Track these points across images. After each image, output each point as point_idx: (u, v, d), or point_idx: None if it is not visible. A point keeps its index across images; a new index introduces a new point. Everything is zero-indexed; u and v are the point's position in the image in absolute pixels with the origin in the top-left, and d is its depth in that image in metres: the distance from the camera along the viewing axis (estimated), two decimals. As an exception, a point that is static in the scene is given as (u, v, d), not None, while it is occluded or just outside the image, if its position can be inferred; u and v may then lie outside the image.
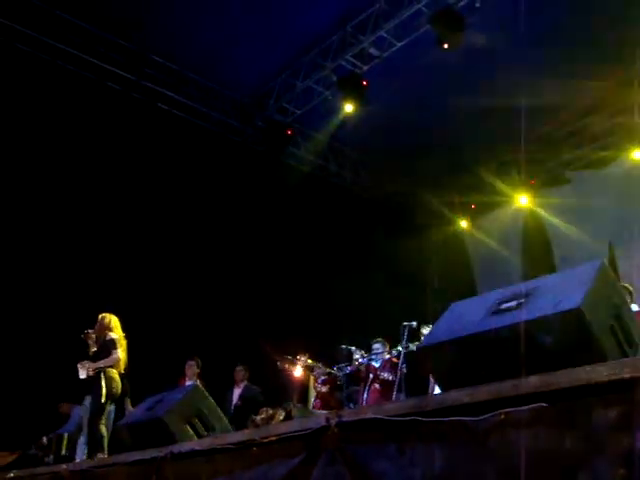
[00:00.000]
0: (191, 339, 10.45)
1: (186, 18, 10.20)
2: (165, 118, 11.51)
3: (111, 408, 7.89)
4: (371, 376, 9.17)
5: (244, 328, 11.09)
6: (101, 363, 7.57)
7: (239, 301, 11.50)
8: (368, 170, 14.48)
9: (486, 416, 2.33)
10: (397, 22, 9.98)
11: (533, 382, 2.27)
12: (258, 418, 8.31)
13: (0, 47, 9.75)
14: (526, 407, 2.23)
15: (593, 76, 10.80)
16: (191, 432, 4.85)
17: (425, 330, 8.42)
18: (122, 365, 7.77)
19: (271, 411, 8.24)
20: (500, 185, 13.88)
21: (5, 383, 8.97)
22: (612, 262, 11.51)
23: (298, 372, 10.04)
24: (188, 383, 9.54)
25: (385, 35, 10.27)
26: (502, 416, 2.30)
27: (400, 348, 8.53)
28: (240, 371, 10.45)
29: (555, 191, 13.68)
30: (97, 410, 7.48)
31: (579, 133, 12.94)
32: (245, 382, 10.40)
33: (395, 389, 8.24)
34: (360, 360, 9.46)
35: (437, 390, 7.92)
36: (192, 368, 10.03)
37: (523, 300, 2.81)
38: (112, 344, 7.67)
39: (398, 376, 8.25)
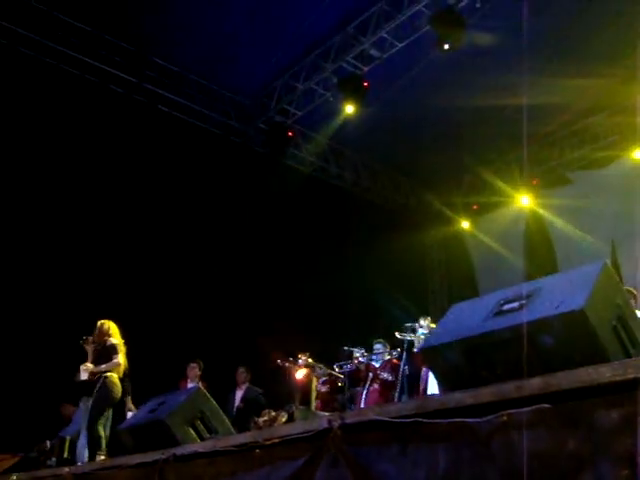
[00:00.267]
0: (192, 341, 10.45)
1: (187, 20, 10.21)
2: (166, 120, 11.51)
3: (110, 411, 7.93)
4: (371, 375, 9.18)
5: (245, 330, 11.10)
6: (103, 367, 7.65)
7: (240, 303, 11.49)
8: (369, 171, 14.48)
9: (489, 417, 2.33)
10: (398, 23, 9.98)
11: (536, 383, 2.27)
12: (260, 420, 8.30)
13: (3, 50, 9.76)
14: (529, 408, 2.23)
15: (594, 76, 10.79)
16: (193, 434, 4.85)
17: (423, 322, 8.43)
18: (122, 370, 7.84)
19: (273, 413, 8.23)
20: (501, 185, 13.89)
21: (6, 386, 8.98)
22: (614, 262, 11.50)
23: (300, 374, 10.04)
24: (190, 385, 9.55)
25: (386, 36, 10.27)
26: (505, 417, 2.30)
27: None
28: (242, 373, 10.45)
29: (557, 191, 13.68)
30: (97, 413, 7.56)
31: (581, 133, 12.95)
32: (247, 384, 10.41)
33: (397, 390, 8.24)
34: (360, 359, 9.47)
35: (430, 387, 7.98)
36: (194, 370, 10.03)
37: (525, 301, 2.81)
38: (113, 349, 7.75)
39: (400, 377, 8.25)
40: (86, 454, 7.55)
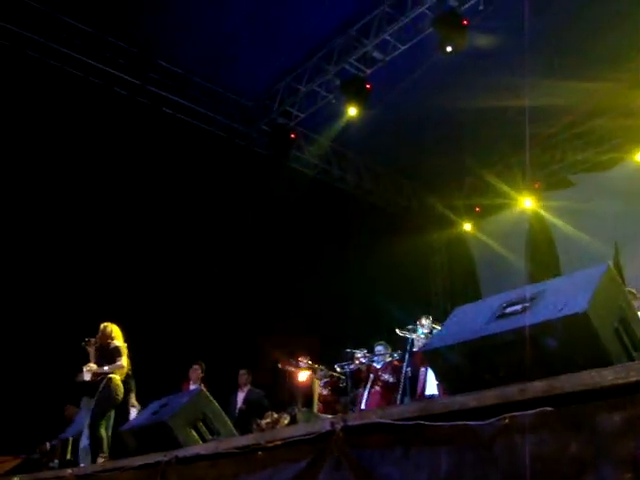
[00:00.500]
0: (195, 343, 10.45)
1: (191, 23, 10.23)
2: (170, 122, 11.53)
3: (112, 412, 7.96)
4: (372, 377, 9.18)
5: (247, 332, 11.10)
6: (106, 368, 7.67)
7: (242, 305, 11.50)
8: (371, 174, 14.48)
9: (491, 420, 2.33)
10: (400, 25, 9.99)
11: (538, 386, 2.27)
12: (263, 422, 8.30)
13: (7, 52, 9.78)
14: (531, 411, 2.23)
15: (598, 78, 10.78)
16: (196, 436, 4.85)
17: (424, 321, 8.44)
18: (125, 372, 7.88)
19: (276, 415, 8.24)
20: (504, 188, 13.88)
21: (8, 388, 8.99)
22: (617, 264, 11.49)
23: (302, 376, 10.04)
24: (192, 387, 9.55)
25: (388, 38, 10.28)
26: (507, 420, 2.30)
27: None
28: (243, 375, 10.45)
29: (560, 194, 13.67)
30: (99, 414, 7.58)
31: (584, 136, 12.94)
32: (248, 386, 10.41)
33: (400, 392, 8.23)
34: (362, 359, 9.47)
35: (429, 387, 7.98)
36: (196, 372, 10.03)
37: (528, 304, 2.80)
38: (116, 352, 7.78)
39: (402, 379, 8.24)
40: (88, 455, 7.57)
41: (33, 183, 9.96)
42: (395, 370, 9.01)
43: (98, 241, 10.43)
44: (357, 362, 9.49)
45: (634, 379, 2.00)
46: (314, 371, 10.10)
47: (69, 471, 5.84)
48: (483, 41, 9.68)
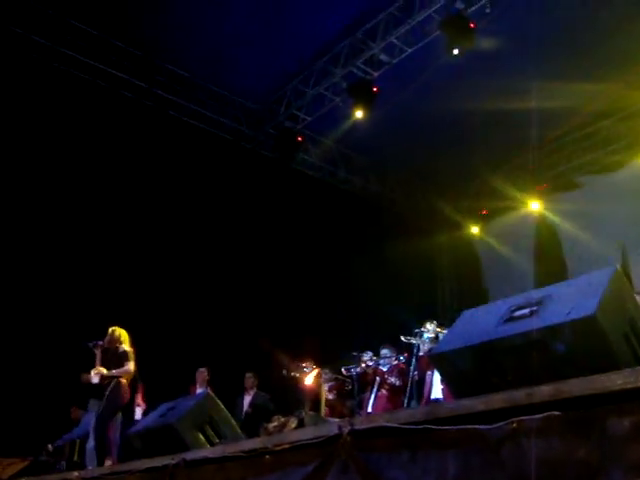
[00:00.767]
0: (201, 347, 10.47)
1: (197, 25, 10.24)
2: (176, 125, 11.55)
3: (119, 413, 8.01)
4: (378, 379, 9.19)
5: (253, 335, 11.10)
6: (115, 372, 7.76)
7: (248, 308, 11.51)
8: (378, 176, 14.48)
9: (499, 424, 2.32)
10: (407, 28, 9.98)
11: (546, 390, 2.26)
12: (270, 426, 8.29)
13: (13, 56, 9.82)
14: (539, 415, 2.22)
15: (605, 80, 10.76)
16: (203, 439, 4.86)
17: (429, 326, 8.43)
18: (131, 376, 7.98)
19: (283, 419, 8.22)
20: (511, 190, 13.85)
21: (16, 390, 9.02)
22: (625, 267, 11.44)
23: (309, 379, 10.05)
24: (199, 390, 9.58)
25: (395, 41, 10.26)
26: (515, 424, 2.29)
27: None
28: (249, 378, 10.46)
29: (566, 196, 13.64)
30: (107, 416, 7.67)
31: (590, 137, 12.90)
32: (255, 389, 10.43)
33: (407, 395, 8.23)
34: (369, 362, 9.46)
35: (434, 390, 7.98)
36: (202, 375, 10.07)
37: (536, 307, 2.80)
38: (125, 356, 7.89)
39: (409, 382, 8.24)
40: (95, 458, 7.60)
41: (39, 185, 10.00)
42: (401, 373, 9.02)
43: (105, 244, 10.46)
44: (363, 365, 9.48)
45: (643, 383, 1.99)
46: (319, 375, 10.10)
47: (76, 474, 5.84)
48: (490, 44, 9.66)
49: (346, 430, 2.89)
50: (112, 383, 7.70)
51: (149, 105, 11.29)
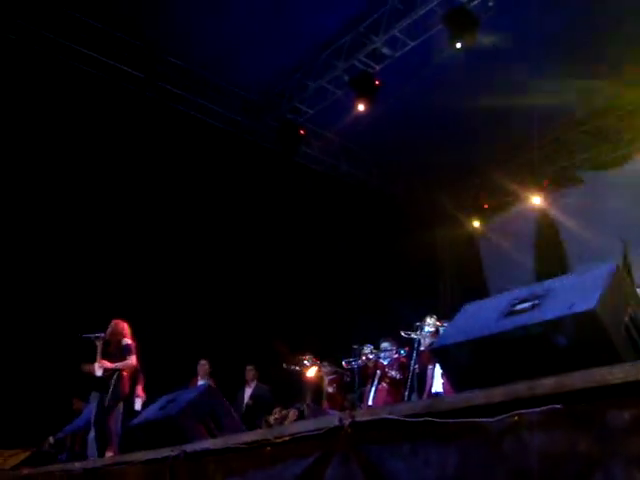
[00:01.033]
0: (202, 339, 10.49)
1: (198, 17, 10.22)
2: (178, 117, 11.54)
3: (120, 405, 8.04)
4: (379, 373, 9.21)
5: (254, 327, 11.13)
6: (119, 365, 7.80)
7: (249, 300, 11.53)
8: (380, 170, 14.47)
9: (500, 417, 2.32)
10: (410, 22, 9.96)
11: (548, 384, 2.27)
12: (271, 418, 8.34)
13: (14, 47, 9.81)
14: (540, 409, 2.22)
15: (607, 76, 10.75)
16: (204, 431, 4.86)
17: (429, 320, 8.46)
18: (133, 369, 8.04)
19: (284, 411, 8.26)
20: (513, 186, 13.84)
21: (18, 381, 9.04)
22: (626, 263, 11.45)
23: (311, 372, 10.08)
24: (200, 382, 9.60)
25: (398, 35, 10.25)
26: (516, 418, 2.30)
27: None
28: (250, 370, 10.50)
29: (568, 192, 13.63)
30: (108, 408, 7.69)
31: (592, 134, 12.88)
32: (255, 381, 10.46)
33: (407, 389, 8.25)
34: (369, 356, 9.48)
35: (435, 385, 8.01)
36: (204, 367, 10.09)
37: (537, 301, 2.80)
38: (128, 349, 7.94)
39: (410, 375, 8.26)
40: (96, 448, 7.63)
41: (38, 177, 9.99)
42: (402, 367, 9.04)
43: (107, 236, 10.47)
44: (364, 358, 9.50)
45: (644, 377, 2.00)
46: (319, 368, 10.13)
47: (77, 465, 5.86)
48: (493, 39, 9.65)
49: (347, 422, 2.90)
50: (114, 376, 7.74)
51: (150, 97, 11.27)
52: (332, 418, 3.05)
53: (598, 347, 2.46)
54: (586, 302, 2.54)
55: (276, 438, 3.31)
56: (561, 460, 2.15)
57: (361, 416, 2.92)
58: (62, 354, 9.05)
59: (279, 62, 11.38)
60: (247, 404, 10.15)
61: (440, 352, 3.14)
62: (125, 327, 8.13)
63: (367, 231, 13.57)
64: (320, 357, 10.26)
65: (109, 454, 7.26)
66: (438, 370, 7.89)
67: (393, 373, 9.08)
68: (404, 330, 8.59)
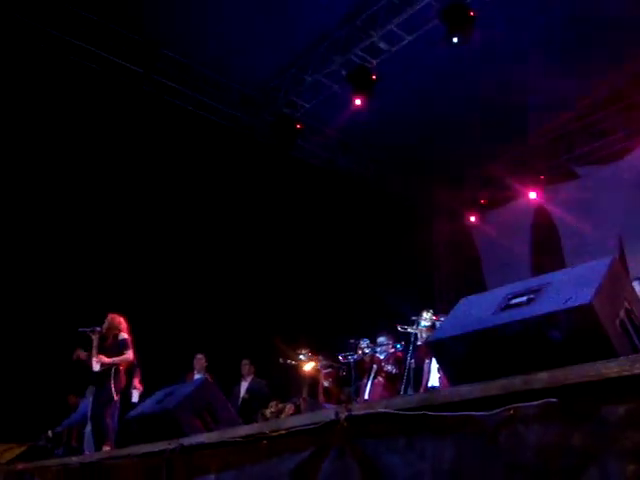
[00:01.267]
0: (199, 334, 10.49)
1: (195, 12, 10.19)
2: (174, 112, 11.52)
3: (117, 399, 8.06)
4: (375, 367, 9.22)
5: (250, 322, 11.13)
6: (117, 360, 7.81)
7: (245, 295, 11.53)
8: (377, 164, 14.46)
9: (496, 411, 2.33)
10: (407, 16, 9.94)
11: (543, 378, 2.27)
12: (267, 412, 8.35)
13: (11, 41, 9.77)
14: (535, 402, 2.23)
15: (604, 70, 10.75)
16: (201, 425, 4.87)
17: (425, 315, 8.47)
18: (130, 364, 8.05)
19: (280, 405, 8.27)
20: (510, 180, 13.85)
21: (14, 376, 9.04)
22: (622, 257, 11.48)
23: (308, 366, 10.08)
24: (197, 377, 9.61)
25: (395, 29, 10.23)
26: (511, 411, 2.30)
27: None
28: (246, 365, 10.51)
29: (565, 186, 13.65)
30: (105, 402, 7.70)
31: (590, 128, 12.89)
32: (252, 376, 10.47)
33: (403, 383, 8.26)
34: (366, 350, 9.49)
35: (431, 379, 8.02)
36: (200, 361, 10.10)
37: (533, 296, 2.81)
38: (125, 344, 7.95)
39: (406, 370, 8.27)
40: (93, 444, 7.64)
41: (35, 171, 9.98)
42: (398, 361, 9.05)
43: (103, 229, 10.47)
44: (360, 352, 9.51)
45: (639, 371, 2.00)
46: (316, 362, 10.14)
47: (74, 459, 5.87)
48: (490, 33, 9.64)
49: (343, 416, 2.90)
50: (112, 370, 7.75)
51: (148, 91, 11.25)
52: (328, 412, 3.05)
53: (594, 341, 2.47)
54: (582, 296, 2.54)
55: (272, 432, 3.32)
56: (556, 454, 2.15)
57: (357, 410, 2.92)
58: (58, 348, 9.04)
59: (275, 56, 11.35)
60: (243, 398, 10.16)
61: (436, 346, 3.14)
62: (122, 321, 8.13)
63: (364, 225, 13.56)
64: (316, 351, 10.26)
65: (106, 448, 7.27)
66: (434, 365, 7.90)
67: (389, 367, 9.09)
68: (400, 324, 8.59)
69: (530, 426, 2.24)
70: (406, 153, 13.84)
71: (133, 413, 5.87)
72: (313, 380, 10.05)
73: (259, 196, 12.12)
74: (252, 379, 10.45)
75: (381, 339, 9.44)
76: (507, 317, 2.80)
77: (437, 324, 8.15)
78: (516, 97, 10.77)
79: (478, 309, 3.03)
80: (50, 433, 9.15)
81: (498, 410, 2.33)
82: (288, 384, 10.47)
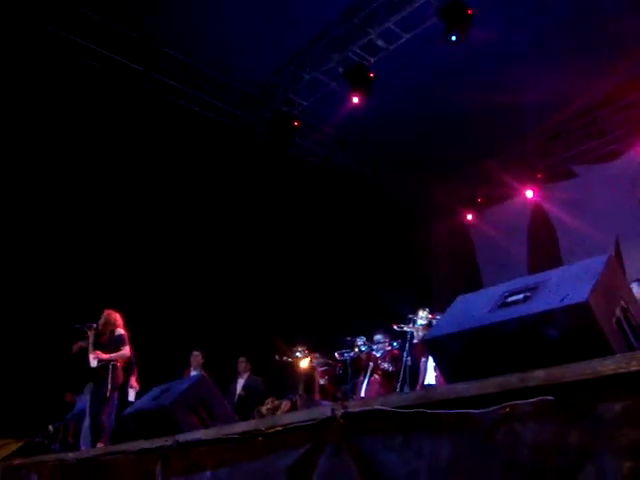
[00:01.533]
0: (195, 331, 10.50)
1: (194, 10, 10.17)
2: (174, 110, 11.51)
3: (115, 395, 8.06)
4: (371, 365, 9.23)
5: (247, 319, 11.14)
6: (114, 356, 7.82)
7: (241, 292, 11.54)
8: (374, 162, 14.46)
9: (492, 408, 2.33)
10: (405, 14, 9.94)
11: (539, 375, 2.27)
12: (263, 408, 8.35)
13: (10, 39, 9.74)
14: (532, 400, 2.23)
15: (602, 70, 10.75)
16: (197, 422, 4.87)
17: (421, 313, 8.48)
18: (127, 360, 8.05)
19: (276, 402, 8.28)
20: (507, 179, 13.86)
21: (11, 372, 9.03)
22: (618, 256, 11.49)
23: (304, 363, 10.09)
24: (193, 373, 9.61)
25: (393, 27, 10.22)
26: (508, 409, 2.30)
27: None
28: (242, 362, 10.53)
29: (562, 185, 13.67)
30: (102, 399, 7.71)
31: (586, 127, 12.91)
32: (248, 373, 10.48)
33: (399, 380, 8.27)
34: (362, 347, 9.50)
35: (428, 377, 8.03)
36: (197, 358, 10.10)
37: (530, 293, 2.81)
38: (121, 340, 7.97)
39: (402, 368, 8.28)
40: (90, 439, 7.65)
41: (34, 169, 9.96)
42: (394, 359, 9.06)
43: (100, 226, 10.46)
44: (357, 350, 9.52)
45: (635, 369, 2.00)
46: (312, 359, 10.15)
47: (71, 455, 5.87)
48: (488, 31, 9.64)
49: (339, 413, 2.90)
50: (109, 367, 7.75)
51: (148, 89, 11.22)
52: (324, 409, 3.05)
53: (590, 339, 2.47)
54: (578, 294, 2.54)
55: (268, 429, 3.31)
56: (553, 451, 2.16)
57: (353, 407, 2.92)
58: (54, 344, 9.04)
59: (273, 54, 11.34)
60: (239, 395, 10.17)
61: (432, 343, 3.14)
62: (118, 317, 8.14)
63: (361, 223, 13.56)
64: (312, 349, 10.27)
65: (100, 446, 7.27)
66: (431, 363, 7.91)
67: (385, 365, 9.10)
68: (397, 323, 8.61)
69: (526, 424, 2.24)
70: (404, 151, 13.84)
71: (130, 410, 5.88)
72: (309, 378, 10.06)
73: (258, 194, 12.13)
74: (248, 376, 10.46)
75: (378, 337, 9.45)
76: (504, 315, 2.80)
77: (433, 322, 8.16)
78: (513, 95, 10.76)
79: (475, 307, 3.03)
80: (51, 428, 9.15)
81: (494, 408, 2.33)
82: (284, 381, 10.48)
